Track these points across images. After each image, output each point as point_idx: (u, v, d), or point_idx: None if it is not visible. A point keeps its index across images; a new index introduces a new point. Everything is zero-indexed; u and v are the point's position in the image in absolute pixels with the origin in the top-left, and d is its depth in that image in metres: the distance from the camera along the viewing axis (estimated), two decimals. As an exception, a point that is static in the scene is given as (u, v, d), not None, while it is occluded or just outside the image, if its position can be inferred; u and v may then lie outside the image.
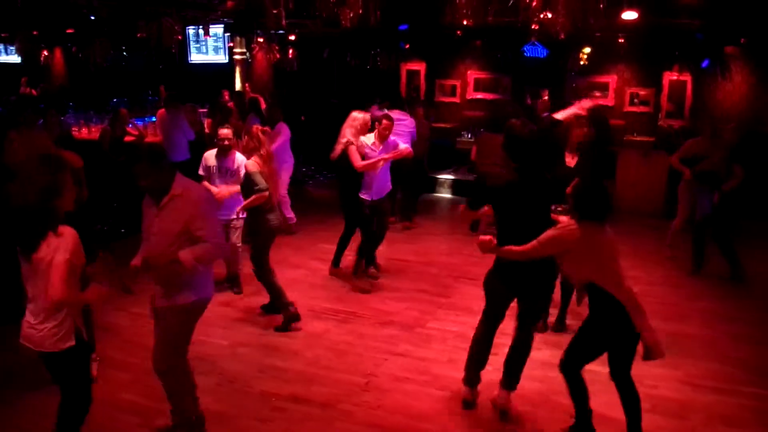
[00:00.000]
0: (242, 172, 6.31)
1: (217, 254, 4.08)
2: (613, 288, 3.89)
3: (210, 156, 6.77)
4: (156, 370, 4.19)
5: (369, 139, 6.98)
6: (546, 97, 12.09)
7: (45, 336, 3.54)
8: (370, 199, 7.03)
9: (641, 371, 5.24)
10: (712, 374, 5.32)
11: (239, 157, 6.61)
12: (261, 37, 13.39)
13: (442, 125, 13.02)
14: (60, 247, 3.41)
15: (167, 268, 3.86)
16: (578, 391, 4.28)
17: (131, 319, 6.14)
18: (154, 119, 11.36)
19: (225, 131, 6.69)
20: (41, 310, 3.53)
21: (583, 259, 4.01)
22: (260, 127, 6.31)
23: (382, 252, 7.80)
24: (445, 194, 12.05)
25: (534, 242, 4.05)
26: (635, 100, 12.43)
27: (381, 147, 7.00)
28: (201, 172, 6.80)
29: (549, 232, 4.03)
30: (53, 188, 3.50)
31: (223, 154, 6.66)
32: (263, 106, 10.82)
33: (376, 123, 7.11)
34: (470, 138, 12.72)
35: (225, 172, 6.67)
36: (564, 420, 4.48)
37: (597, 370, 4.31)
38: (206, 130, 9.93)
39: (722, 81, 11.52)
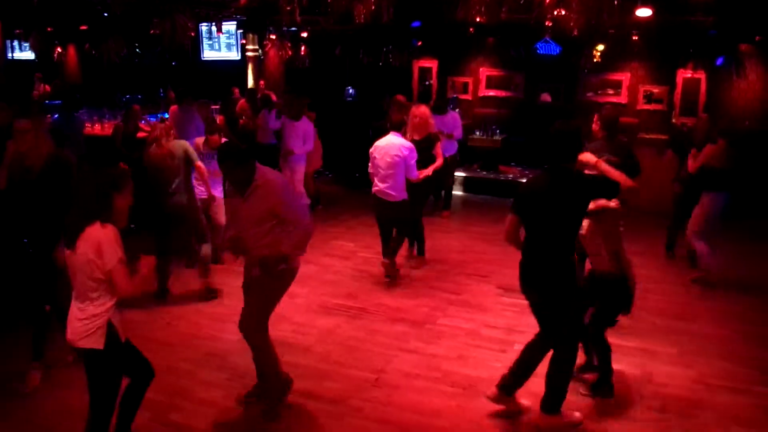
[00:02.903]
0: None
1: (309, 234, 4.41)
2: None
3: (200, 142, 7.34)
4: (248, 337, 4.49)
5: None
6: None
7: (78, 330, 3.58)
8: None
9: (652, 369, 5.27)
10: (725, 373, 5.27)
11: None
12: (273, 34, 13.42)
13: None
14: (104, 245, 3.45)
15: (263, 248, 4.28)
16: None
17: (143, 314, 6.18)
18: (166, 115, 11.40)
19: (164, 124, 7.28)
20: (77, 301, 3.60)
21: None
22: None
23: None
24: (457, 191, 12.04)
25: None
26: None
27: None
28: None
29: None
30: (115, 182, 3.58)
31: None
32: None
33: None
34: (482, 135, 12.71)
35: (212, 156, 7.05)
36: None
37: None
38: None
39: (736, 79, 11.42)
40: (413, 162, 7.07)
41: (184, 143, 6.60)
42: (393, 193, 7.05)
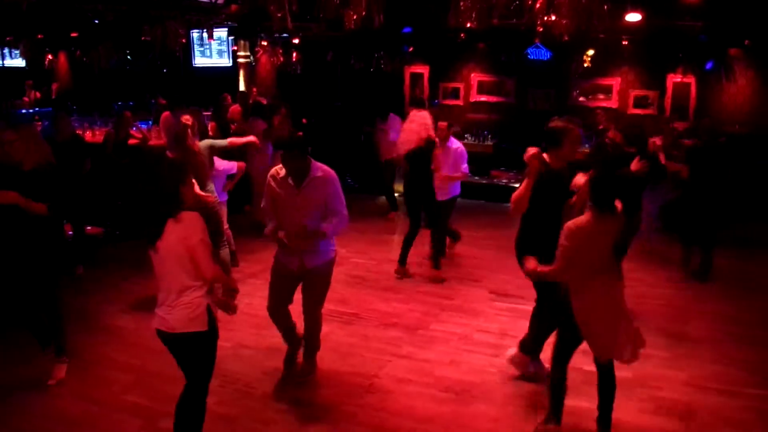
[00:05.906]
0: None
1: (346, 224, 4.85)
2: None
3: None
4: (311, 318, 5.07)
5: None
6: None
7: (177, 317, 3.74)
8: None
9: (646, 373, 5.26)
10: (717, 376, 5.30)
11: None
12: (265, 40, 13.41)
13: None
14: (189, 231, 3.65)
15: (311, 238, 4.66)
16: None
17: (135, 321, 6.14)
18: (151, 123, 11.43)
19: (186, 116, 7.20)
20: (174, 293, 3.73)
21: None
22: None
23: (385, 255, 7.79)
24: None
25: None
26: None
27: None
28: None
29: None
30: (180, 176, 3.76)
31: None
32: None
33: None
34: (474, 141, 12.72)
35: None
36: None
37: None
38: (210, 133, 9.94)
39: (726, 83, 11.47)
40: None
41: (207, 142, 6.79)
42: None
